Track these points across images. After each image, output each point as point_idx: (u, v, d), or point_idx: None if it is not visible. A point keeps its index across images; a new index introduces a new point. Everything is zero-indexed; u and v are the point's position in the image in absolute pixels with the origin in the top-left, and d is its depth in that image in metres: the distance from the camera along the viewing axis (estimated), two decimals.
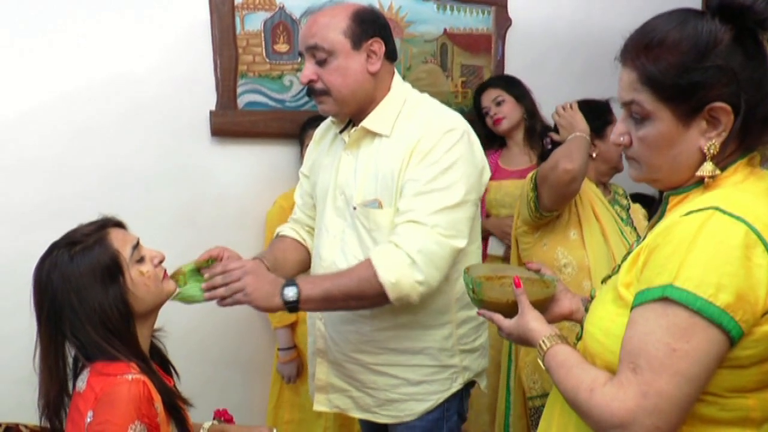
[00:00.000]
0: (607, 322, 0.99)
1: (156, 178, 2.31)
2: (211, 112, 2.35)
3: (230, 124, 2.37)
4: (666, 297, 0.89)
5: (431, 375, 1.62)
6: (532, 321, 1.14)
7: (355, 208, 1.57)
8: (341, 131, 1.66)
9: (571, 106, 1.98)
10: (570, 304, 1.30)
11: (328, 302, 1.47)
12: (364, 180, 1.56)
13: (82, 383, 1.27)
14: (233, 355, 2.49)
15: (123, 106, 2.24)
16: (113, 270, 1.29)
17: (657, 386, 0.88)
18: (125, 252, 1.31)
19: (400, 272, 1.43)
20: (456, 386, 1.64)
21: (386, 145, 1.55)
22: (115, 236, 1.32)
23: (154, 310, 1.38)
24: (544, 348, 1.07)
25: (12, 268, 2.07)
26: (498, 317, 1.22)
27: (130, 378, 1.23)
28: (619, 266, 1.05)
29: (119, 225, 1.38)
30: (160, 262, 1.38)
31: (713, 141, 0.95)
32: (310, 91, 1.57)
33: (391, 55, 1.59)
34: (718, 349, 0.88)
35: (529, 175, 1.99)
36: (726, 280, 0.86)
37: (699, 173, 0.97)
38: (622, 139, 1.03)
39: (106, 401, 1.20)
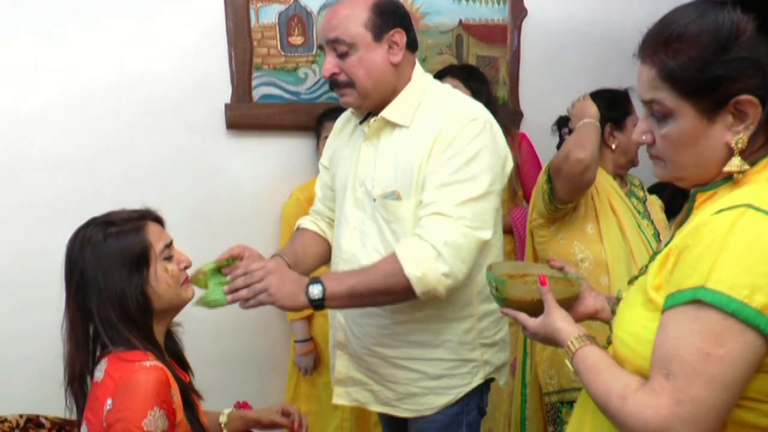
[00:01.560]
0: (637, 327, 0.96)
1: (171, 171, 2.31)
2: (226, 105, 2.35)
3: (245, 117, 2.37)
4: (698, 299, 0.85)
5: (451, 369, 1.61)
6: (559, 320, 1.11)
7: (374, 200, 1.56)
8: (361, 122, 1.65)
9: (583, 97, 1.96)
10: (595, 302, 1.27)
11: (354, 299, 1.45)
12: (384, 171, 1.56)
13: (99, 373, 1.28)
14: (250, 347, 2.50)
15: (138, 100, 2.24)
16: (141, 260, 1.32)
17: (691, 393, 0.85)
18: (157, 247, 1.35)
19: (426, 265, 1.41)
20: (477, 380, 1.63)
21: (406, 136, 1.54)
22: (152, 230, 1.36)
23: (170, 311, 1.40)
24: (573, 349, 1.04)
25: (29, 264, 2.08)
26: (523, 316, 1.20)
27: (148, 365, 1.25)
28: (647, 267, 1.02)
29: (158, 220, 1.41)
30: (186, 267, 1.40)
31: (741, 135, 0.92)
32: (333, 84, 1.56)
33: (412, 45, 1.57)
34: (754, 353, 0.84)
35: (544, 166, 1.97)
36: (761, 280, 0.83)
37: (727, 169, 0.93)
38: (644, 137, 1.01)
39: (125, 389, 1.22)
